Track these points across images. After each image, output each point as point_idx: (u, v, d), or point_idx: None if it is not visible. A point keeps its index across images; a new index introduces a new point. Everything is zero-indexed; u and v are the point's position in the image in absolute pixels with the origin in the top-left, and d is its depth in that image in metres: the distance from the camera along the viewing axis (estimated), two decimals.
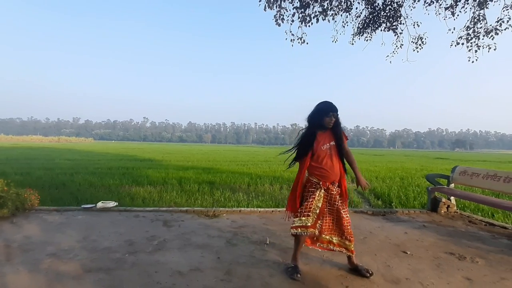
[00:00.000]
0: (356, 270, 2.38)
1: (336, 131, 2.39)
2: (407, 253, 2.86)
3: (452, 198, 4.62)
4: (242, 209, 4.44)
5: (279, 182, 7.60)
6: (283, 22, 5.32)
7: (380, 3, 5.90)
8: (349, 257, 2.43)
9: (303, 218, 2.29)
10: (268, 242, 3.03)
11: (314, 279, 2.26)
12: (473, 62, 5.73)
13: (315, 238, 2.44)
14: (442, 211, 4.54)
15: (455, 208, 4.65)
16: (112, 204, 4.39)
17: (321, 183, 2.33)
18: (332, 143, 2.37)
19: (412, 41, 6.03)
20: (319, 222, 2.37)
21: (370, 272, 2.31)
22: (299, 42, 5.82)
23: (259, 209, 4.47)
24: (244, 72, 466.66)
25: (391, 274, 2.39)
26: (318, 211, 2.33)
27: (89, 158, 15.19)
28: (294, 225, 2.33)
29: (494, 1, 5.23)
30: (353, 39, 6.52)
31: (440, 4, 5.70)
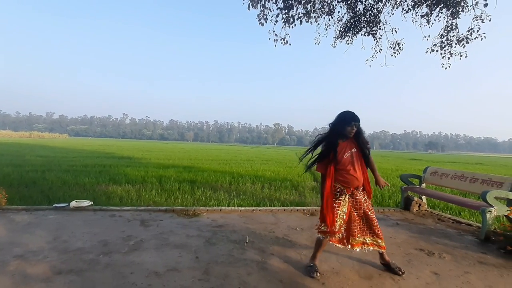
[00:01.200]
0: (388, 267, 2.49)
1: (358, 139, 2.45)
2: None
3: (423, 197, 4.87)
4: (223, 208, 4.43)
5: (261, 181, 7.65)
6: (266, 22, 5.33)
7: (361, 8, 6.08)
8: (381, 254, 2.54)
9: (334, 227, 2.36)
10: (247, 241, 3.04)
11: (292, 277, 2.31)
12: (446, 68, 6.05)
13: (344, 240, 2.48)
14: (414, 210, 4.77)
15: (426, 206, 4.90)
16: (86, 203, 4.22)
17: (345, 190, 2.40)
18: (354, 150, 2.42)
19: (390, 47, 6.28)
20: (344, 226, 2.43)
21: (402, 271, 2.42)
22: (282, 43, 5.86)
23: (240, 208, 4.48)
24: (228, 71, 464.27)
25: (365, 270, 2.48)
26: (344, 216, 2.41)
27: (63, 155, 14.47)
28: (321, 229, 2.42)
29: (466, 12, 5.54)
30: (335, 42, 6.67)
31: (417, 12, 5.97)
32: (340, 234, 2.44)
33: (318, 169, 2.45)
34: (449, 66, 5.92)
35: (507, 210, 3.46)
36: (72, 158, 13.08)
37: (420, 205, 4.82)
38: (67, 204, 4.16)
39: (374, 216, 2.45)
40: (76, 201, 4.21)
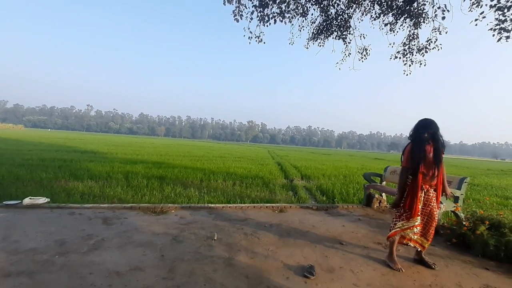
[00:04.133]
0: (422, 262, 2.73)
1: (436, 144, 2.61)
2: (342, 244, 3.15)
3: (383, 194, 5.21)
4: (192, 205, 4.36)
5: (232, 178, 7.64)
6: (241, 18, 5.31)
7: (333, 13, 6.29)
8: (419, 251, 2.76)
9: (417, 217, 2.61)
10: (216, 238, 3.04)
11: (258, 272, 2.35)
12: (407, 75, 6.51)
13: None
14: (375, 206, 5.09)
15: (386, 203, 5.25)
16: (42, 200, 3.93)
17: (423, 185, 2.59)
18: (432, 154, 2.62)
19: (358, 51, 6.58)
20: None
21: (435, 265, 2.69)
22: (256, 41, 5.89)
23: (210, 205, 4.45)
24: (202, 67, 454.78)
25: (327, 264, 2.60)
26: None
27: (17, 148, 13.23)
28: (405, 226, 2.62)
29: (426, 23, 5.99)
30: (307, 44, 6.85)
31: (383, 20, 6.32)
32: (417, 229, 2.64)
33: (408, 164, 2.63)
34: (410, 73, 6.37)
35: (454, 206, 3.83)
36: (27, 151, 12.00)
37: (380, 201, 5.15)
38: (20, 201, 3.83)
39: (436, 218, 2.67)
40: (30, 198, 3.90)
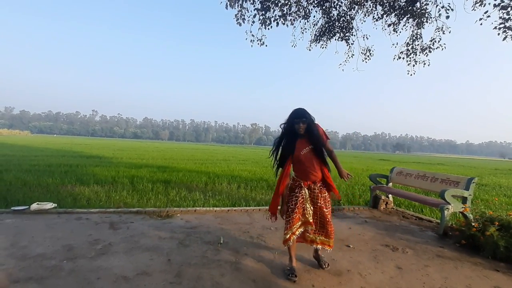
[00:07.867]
0: (317, 260, 2.58)
1: (310, 136, 2.40)
2: (349, 246, 3.12)
3: (390, 195, 5.16)
4: (198, 208, 4.37)
5: (237, 181, 7.64)
6: (244, 22, 5.34)
7: (335, 14, 6.30)
8: (317, 249, 2.56)
9: (297, 222, 2.36)
10: (222, 242, 3.03)
11: (265, 276, 2.34)
12: (411, 75, 6.47)
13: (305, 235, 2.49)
14: (382, 208, 5.04)
15: (392, 204, 5.20)
16: (49, 205, 3.95)
17: (302, 183, 2.42)
18: (311, 146, 2.41)
19: (361, 52, 6.57)
20: (315, 218, 2.43)
21: (327, 265, 2.53)
22: (258, 44, 5.91)
23: (215, 208, 4.45)
24: (206, 71, 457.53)
25: (334, 267, 2.58)
26: (311, 211, 2.41)
27: (24, 154, 13.40)
28: (292, 231, 2.35)
29: (429, 23, 5.96)
30: (310, 45, 6.86)
31: (386, 21, 6.31)
32: (311, 227, 2.40)
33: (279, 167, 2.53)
34: (414, 73, 6.33)
35: (462, 207, 3.77)
36: (34, 157, 12.16)
37: (387, 203, 5.10)
38: (27, 206, 3.87)
39: (329, 214, 2.43)
40: (37, 204, 3.93)
